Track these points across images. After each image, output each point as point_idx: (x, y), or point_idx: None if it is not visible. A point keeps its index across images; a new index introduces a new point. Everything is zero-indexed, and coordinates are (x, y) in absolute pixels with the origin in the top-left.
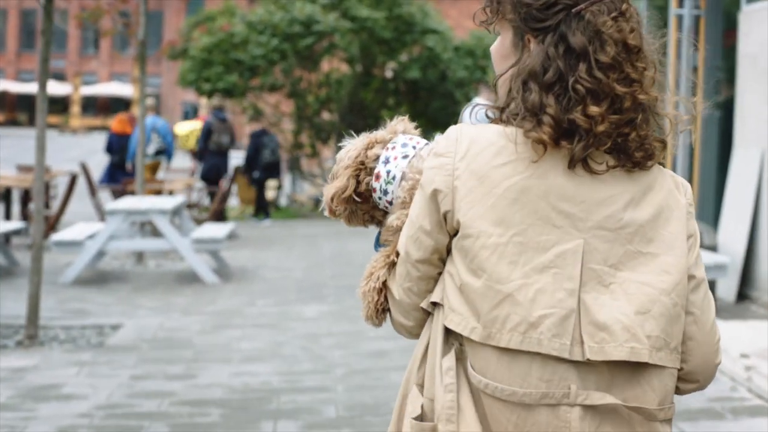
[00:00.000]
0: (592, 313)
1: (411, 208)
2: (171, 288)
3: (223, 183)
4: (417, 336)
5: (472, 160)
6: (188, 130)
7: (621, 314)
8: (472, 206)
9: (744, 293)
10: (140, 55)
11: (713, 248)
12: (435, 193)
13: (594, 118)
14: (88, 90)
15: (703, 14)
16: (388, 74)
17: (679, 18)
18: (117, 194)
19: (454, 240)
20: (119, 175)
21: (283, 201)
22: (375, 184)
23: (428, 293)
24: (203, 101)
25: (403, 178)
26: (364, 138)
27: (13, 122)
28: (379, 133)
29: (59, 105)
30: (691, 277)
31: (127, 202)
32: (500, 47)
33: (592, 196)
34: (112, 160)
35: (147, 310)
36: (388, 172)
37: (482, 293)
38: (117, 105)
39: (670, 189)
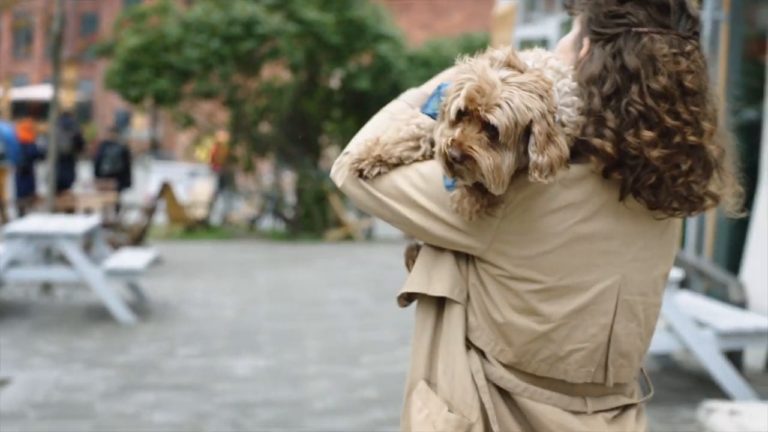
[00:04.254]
0: (620, 343)
1: (428, 195)
2: (78, 327)
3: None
4: None
5: (524, 206)
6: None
7: (640, 341)
8: (518, 251)
9: None
10: (53, 50)
11: (742, 304)
12: (472, 230)
13: (647, 142)
14: (19, 93)
15: (726, 19)
16: (335, 84)
17: None
18: (24, 209)
19: (492, 270)
20: (24, 183)
21: (215, 220)
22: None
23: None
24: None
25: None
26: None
27: None
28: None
29: None
30: None
31: (30, 223)
32: (565, 40)
33: (630, 230)
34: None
35: (44, 358)
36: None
37: (519, 329)
38: (48, 109)
39: None
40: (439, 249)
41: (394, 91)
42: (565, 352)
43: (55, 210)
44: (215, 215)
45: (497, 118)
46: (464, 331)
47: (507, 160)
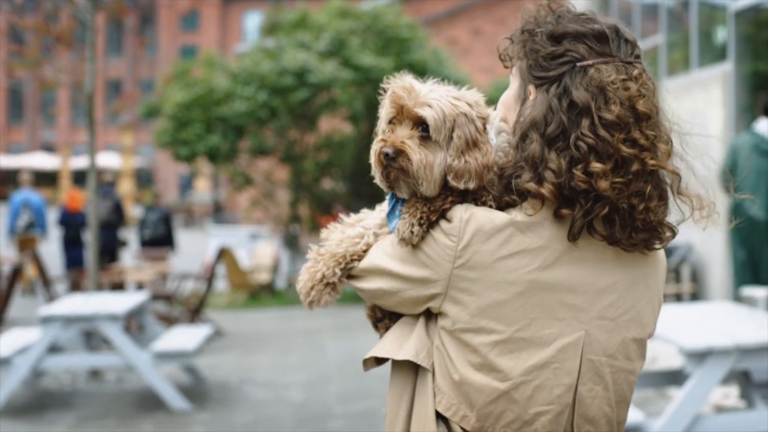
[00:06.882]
0: (585, 407)
1: (392, 256)
2: (127, 418)
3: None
4: None
5: (476, 250)
6: None
7: (608, 406)
8: (474, 300)
9: None
10: (87, 111)
11: None
12: (429, 275)
13: (595, 174)
14: (78, 162)
15: None
16: None
17: None
18: (73, 286)
19: (449, 328)
20: (73, 252)
21: (280, 284)
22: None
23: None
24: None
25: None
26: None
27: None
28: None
29: (48, 178)
30: None
31: (67, 305)
32: (506, 97)
33: (596, 284)
34: (65, 238)
35: None
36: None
37: (478, 388)
38: (112, 177)
39: (663, 270)
40: (411, 318)
41: None
42: (530, 416)
43: (103, 286)
44: (280, 279)
45: (426, 112)
46: (434, 400)
47: (438, 159)
